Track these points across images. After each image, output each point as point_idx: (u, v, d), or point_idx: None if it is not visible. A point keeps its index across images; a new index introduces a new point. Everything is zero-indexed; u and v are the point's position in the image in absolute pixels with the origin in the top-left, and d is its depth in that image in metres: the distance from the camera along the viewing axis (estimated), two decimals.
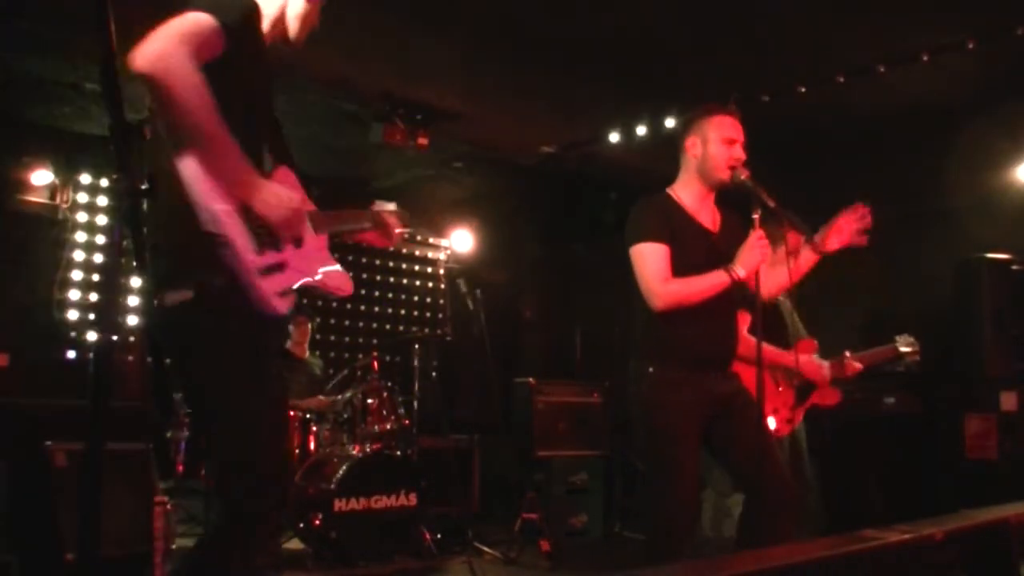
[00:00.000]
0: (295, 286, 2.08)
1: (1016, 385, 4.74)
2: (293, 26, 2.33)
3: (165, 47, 1.81)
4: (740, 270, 2.80)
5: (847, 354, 3.98)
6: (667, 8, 4.46)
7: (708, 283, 2.81)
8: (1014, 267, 4.90)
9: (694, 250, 2.89)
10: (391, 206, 2.62)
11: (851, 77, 4.73)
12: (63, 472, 3.57)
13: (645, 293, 2.85)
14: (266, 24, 2.22)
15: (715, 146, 2.93)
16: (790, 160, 6.37)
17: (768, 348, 3.42)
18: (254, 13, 2.13)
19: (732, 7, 4.39)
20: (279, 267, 2.00)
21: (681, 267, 2.85)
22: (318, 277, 2.18)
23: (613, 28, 4.68)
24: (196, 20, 1.88)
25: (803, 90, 4.88)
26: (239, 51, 1.97)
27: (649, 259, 2.84)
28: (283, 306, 1.99)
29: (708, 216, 3.02)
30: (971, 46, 4.33)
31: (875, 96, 5.21)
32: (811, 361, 3.82)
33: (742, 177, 2.88)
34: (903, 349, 4.13)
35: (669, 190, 3.03)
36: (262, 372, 1.99)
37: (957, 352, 5.00)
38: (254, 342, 1.98)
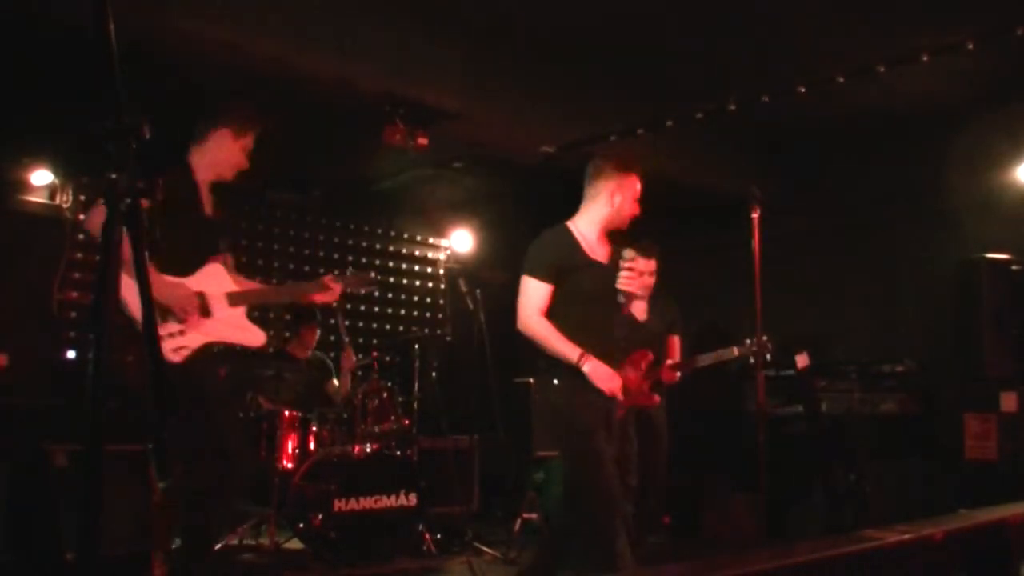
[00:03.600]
0: (198, 345, 3.06)
1: (1016, 385, 4.74)
2: (223, 171, 3.29)
3: None
4: (587, 368, 3.14)
5: (667, 364, 4.66)
6: (667, 8, 4.46)
7: (562, 348, 3.17)
8: (1014, 267, 4.90)
9: (589, 281, 3.27)
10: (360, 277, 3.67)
11: (851, 77, 4.73)
12: (63, 472, 3.57)
13: (519, 315, 3.23)
14: (202, 173, 3.24)
15: (629, 202, 3.37)
16: (790, 160, 6.37)
17: None
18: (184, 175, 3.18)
19: (732, 7, 4.39)
20: (178, 333, 3.02)
21: (577, 296, 3.23)
22: (229, 338, 3.19)
23: (613, 28, 4.68)
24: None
25: (803, 90, 4.88)
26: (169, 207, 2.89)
27: (531, 293, 3.22)
28: (176, 357, 2.98)
29: (602, 251, 3.39)
30: (971, 46, 4.33)
31: (875, 96, 5.21)
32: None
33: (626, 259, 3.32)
34: (741, 352, 4.53)
35: (570, 224, 3.39)
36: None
37: (957, 352, 4.99)
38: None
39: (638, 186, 3.39)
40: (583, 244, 3.33)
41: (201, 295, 3.11)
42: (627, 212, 3.37)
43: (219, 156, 3.26)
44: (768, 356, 4.26)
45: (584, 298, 3.25)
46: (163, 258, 3.04)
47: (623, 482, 3.33)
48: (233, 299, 3.21)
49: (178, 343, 3.03)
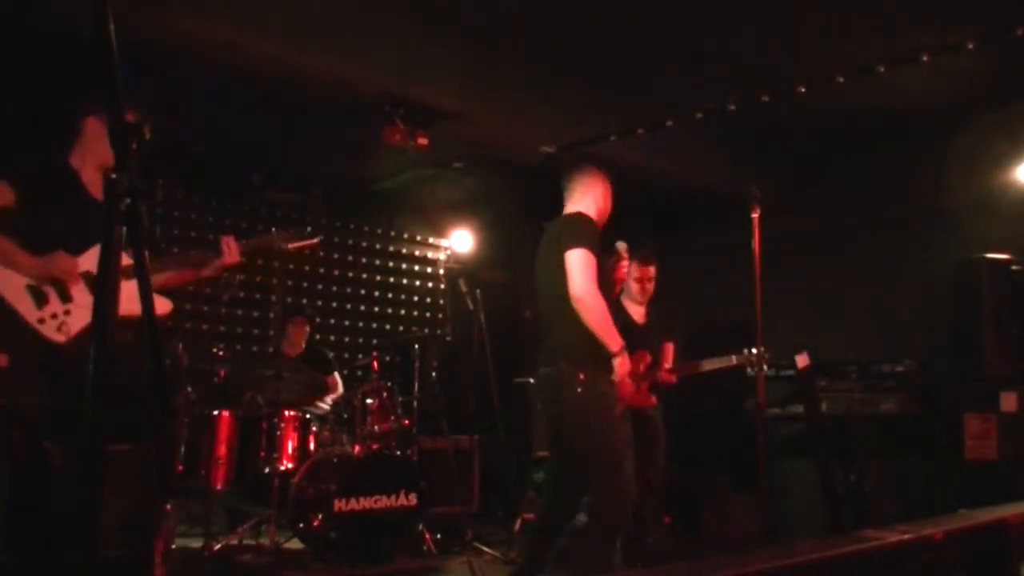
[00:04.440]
0: (85, 323, 2.98)
1: (1016, 385, 4.74)
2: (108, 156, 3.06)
3: None
4: (618, 362, 3.20)
5: (665, 366, 4.68)
6: (667, 8, 4.46)
7: (610, 331, 3.20)
8: (1014, 267, 4.90)
9: (605, 269, 3.34)
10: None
11: (851, 77, 4.73)
12: (63, 472, 3.56)
13: (576, 284, 3.15)
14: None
15: (608, 201, 3.54)
16: (790, 160, 6.37)
17: None
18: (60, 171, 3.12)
19: (732, 7, 4.39)
20: (62, 313, 3.00)
21: (602, 277, 3.26)
22: (130, 309, 2.89)
23: (613, 28, 4.68)
24: None
25: (803, 90, 4.88)
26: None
27: (587, 262, 3.18)
28: (60, 337, 2.97)
29: None
30: (971, 46, 4.33)
31: (875, 96, 5.21)
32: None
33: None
34: (739, 361, 4.56)
35: (587, 214, 3.45)
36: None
37: (957, 352, 4.99)
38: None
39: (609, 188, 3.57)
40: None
41: (86, 274, 3.03)
42: (608, 211, 3.54)
43: (91, 143, 3.15)
44: (765, 367, 4.29)
45: (605, 283, 3.31)
46: (37, 241, 2.97)
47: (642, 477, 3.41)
48: (127, 272, 3.11)
49: (60, 322, 2.98)
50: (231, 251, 3.23)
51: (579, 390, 3.19)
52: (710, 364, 4.67)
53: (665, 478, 4.78)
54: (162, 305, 3.15)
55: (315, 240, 3.60)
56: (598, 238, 3.30)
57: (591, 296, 3.15)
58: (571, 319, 3.21)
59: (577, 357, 3.21)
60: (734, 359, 4.54)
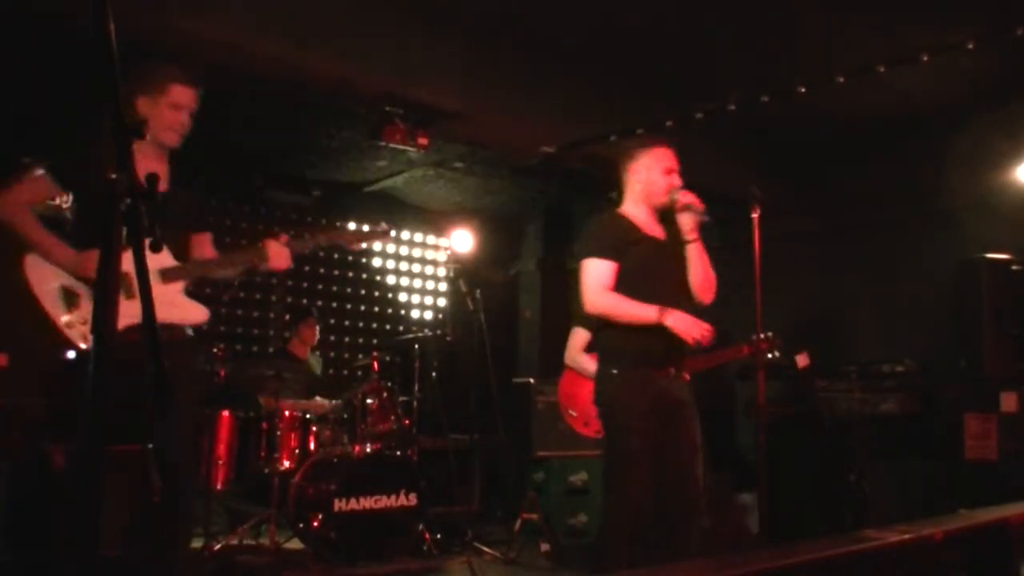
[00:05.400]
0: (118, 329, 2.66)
1: (1016, 385, 4.74)
2: (161, 136, 2.96)
3: None
4: (670, 320, 3.07)
5: None
6: (667, 8, 4.46)
7: (638, 311, 3.12)
8: (1014, 267, 4.90)
9: (647, 253, 3.23)
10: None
11: (851, 77, 4.73)
12: (63, 472, 3.56)
13: (585, 297, 3.20)
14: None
15: (655, 174, 3.30)
16: (790, 160, 6.37)
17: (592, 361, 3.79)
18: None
19: (732, 7, 4.39)
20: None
21: (637, 274, 3.19)
22: (165, 316, 2.72)
23: (613, 28, 4.68)
24: None
25: (803, 90, 4.88)
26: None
27: (592, 272, 3.19)
28: (84, 345, 2.80)
29: (657, 228, 3.35)
30: (971, 46, 4.33)
31: (875, 96, 5.21)
32: None
33: (680, 200, 3.24)
34: (750, 349, 4.34)
35: (619, 209, 3.37)
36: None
37: (957, 352, 4.99)
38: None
39: (667, 156, 3.33)
40: (637, 223, 3.31)
41: (124, 274, 2.88)
42: (660, 185, 3.28)
43: (148, 130, 2.92)
44: (777, 352, 4.21)
45: (645, 271, 3.20)
46: (77, 236, 2.84)
47: (684, 472, 3.15)
48: (167, 275, 2.92)
49: (89, 328, 2.74)
50: (280, 256, 3.02)
51: (608, 386, 3.20)
52: (721, 356, 4.53)
53: None
54: (199, 313, 3.00)
55: (387, 231, 3.47)
56: (614, 235, 3.23)
57: (603, 305, 3.17)
58: (597, 322, 3.29)
59: (611, 353, 3.23)
60: (745, 348, 4.39)
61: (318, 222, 7.27)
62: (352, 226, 3.35)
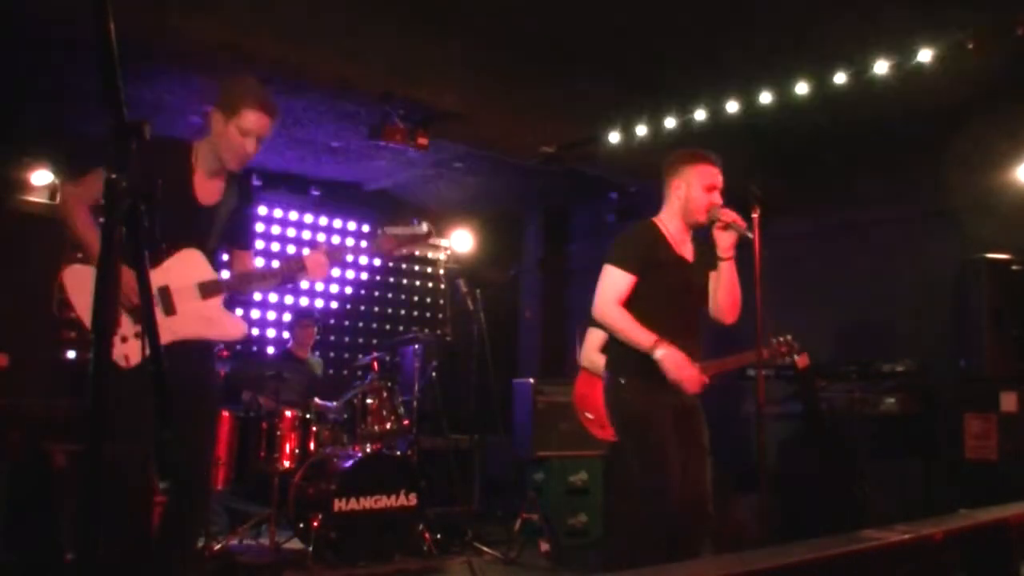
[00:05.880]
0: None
1: (1016, 385, 4.73)
2: (223, 156, 2.87)
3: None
4: (661, 354, 3.08)
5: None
6: (667, 8, 4.46)
7: (635, 335, 3.14)
8: (1014, 267, 4.89)
9: (673, 277, 3.26)
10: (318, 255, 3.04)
11: (852, 77, 4.73)
12: (63, 472, 3.57)
13: (596, 301, 3.23)
14: (202, 157, 2.88)
15: (697, 191, 3.27)
16: (790, 160, 6.37)
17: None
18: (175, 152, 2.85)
19: (732, 7, 4.39)
20: (132, 336, 2.69)
21: (658, 291, 3.21)
22: (195, 333, 2.81)
23: (613, 28, 4.67)
24: None
25: (803, 90, 4.88)
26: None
27: (612, 281, 3.22)
28: (124, 364, 2.63)
29: (687, 248, 3.36)
30: (971, 46, 4.33)
31: (875, 96, 5.21)
32: None
33: (721, 217, 3.21)
34: (769, 353, 4.28)
35: (656, 219, 3.37)
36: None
37: (957, 352, 4.99)
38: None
39: (711, 175, 3.30)
40: (670, 239, 3.31)
41: (163, 289, 2.75)
42: (700, 203, 3.26)
43: (214, 140, 2.85)
44: (795, 356, 4.19)
45: (666, 294, 3.23)
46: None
47: (695, 477, 3.16)
48: (206, 289, 2.84)
49: (128, 349, 2.68)
50: (319, 267, 2.98)
51: (619, 394, 3.23)
52: (740, 359, 4.43)
53: None
54: (237, 328, 2.94)
55: (424, 231, 3.34)
56: (644, 248, 3.25)
57: (608, 316, 3.20)
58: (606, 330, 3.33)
59: (618, 361, 3.26)
60: (764, 352, 4.31)
61: (318, 222, 7.27)
62: (390, 231, 3.27)
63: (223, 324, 2.89)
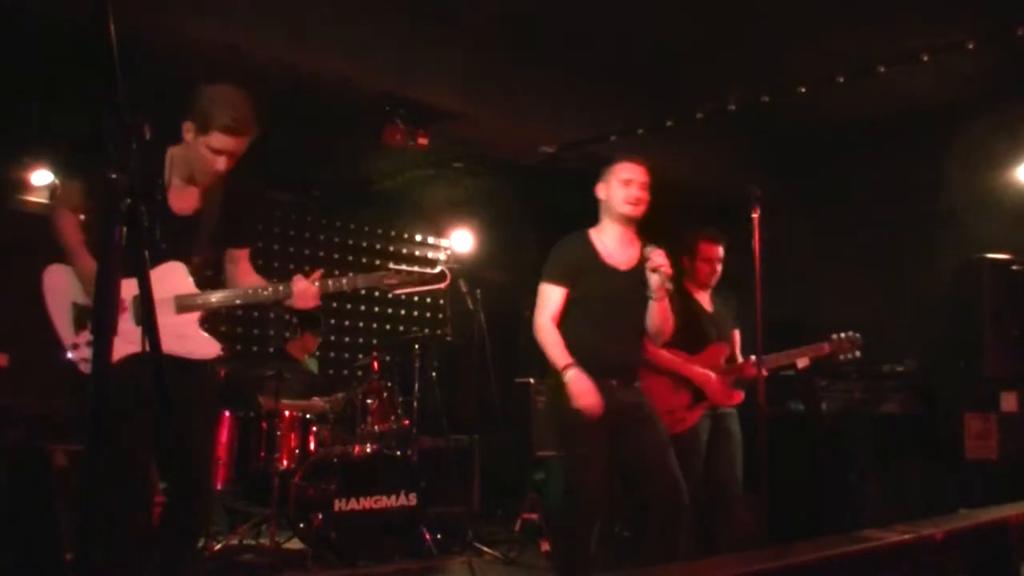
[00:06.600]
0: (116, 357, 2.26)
1: (1016, 385, 4.74)
2: (194, 170, 2.77)
3: None
4: (568, 377, 3.19)
5: (751, 358, 4.17)
6: (667, 8, 4.46)
7: (554, 354, 3.26)
8: (1014, 267, 4.89)
9: (601, 285, 3.32)
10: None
11: (851, 77, 4.73)
12: (63, 472, 3.56)
13: (535, 318, 3.35)
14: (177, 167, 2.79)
15: (615, 187, 3.35)
16: (790, 160, 6.37)
17: (667, 356, 3.96)
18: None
19: (732, 7, 4.39)
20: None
21: (588, 300, 3.31)
22: (174, 349, 2.67)
23: (613, 28, 4.68)
24: None
25: (803, 90, 4.88)
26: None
27: (542, 297, 3.37)
28: (86, 368, 2.60)
29: (622, 256, 3.39)
30: (971, 46, 4.33)
31: (875, 96, 5.21)
32: (699, 371, 4.06)
33: (652, 260, 3.26)
34: (832, 348, 4.25)
35: (590, 230, 3.44)
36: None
37: (957, 352, 4.99)
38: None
39: (628, 169, 3.35)
40: (599, 248, 3.39)
41: (136, 299, 2.62)
42: (618, 196, 3.33)
43: (186, 152, 2.74)
44: (858, 352, 4.17)
45: (599, 300, 3.30)
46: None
47: (658, 471, 3.23)
48: (182, 303, 2.74)
49: (88, 353, 2.52)
50: (306, 295, 2.84)
51: (558, 397, 3.29)
52: (803, 354, 4.28)
53: (739, 485, 4.37)
54: (209, 348, 2.80)
55: (442, 284, 3.14)
56: (569, 261, 3.37)
57: (536, 329, 3.34)
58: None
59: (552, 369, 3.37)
60: (826, 347, 4.22)
61: (318, 222, 7.27)
62: (395, 267, 3.19)
63: (196, 342, 2.78)
